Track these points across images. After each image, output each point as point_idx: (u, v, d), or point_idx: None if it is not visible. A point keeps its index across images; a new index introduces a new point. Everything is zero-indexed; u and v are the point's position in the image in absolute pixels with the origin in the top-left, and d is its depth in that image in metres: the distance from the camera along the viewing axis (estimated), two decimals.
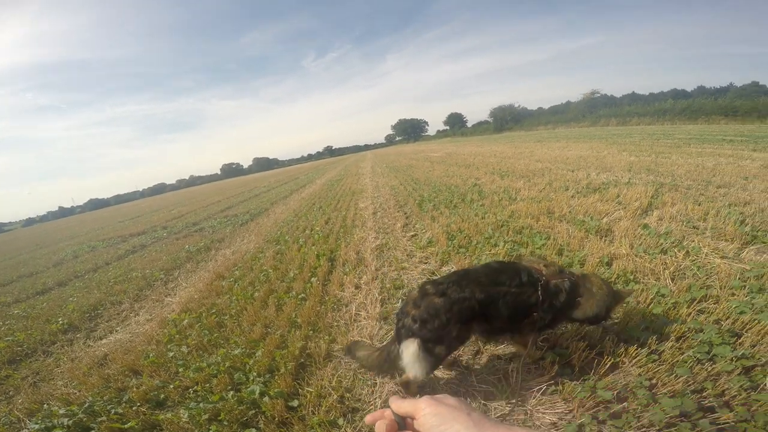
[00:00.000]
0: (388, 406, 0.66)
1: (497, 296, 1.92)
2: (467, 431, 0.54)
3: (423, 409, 0.59)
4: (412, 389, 2.02)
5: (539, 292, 1.97)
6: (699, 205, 4.37)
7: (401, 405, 0.64)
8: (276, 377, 2.44)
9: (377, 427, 0.63)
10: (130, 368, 3.08)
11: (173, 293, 5.18)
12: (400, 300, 3.26)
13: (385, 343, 2.21)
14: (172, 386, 2.64)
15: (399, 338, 1.94)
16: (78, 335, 4.36)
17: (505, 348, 2.38)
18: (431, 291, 1.93)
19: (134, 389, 2.71)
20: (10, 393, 3.29)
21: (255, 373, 2.54)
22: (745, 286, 2.52)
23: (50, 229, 34.87)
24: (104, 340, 4.05)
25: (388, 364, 2.02)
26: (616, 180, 6.55)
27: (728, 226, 3.59)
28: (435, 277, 3.44)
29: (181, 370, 2.84)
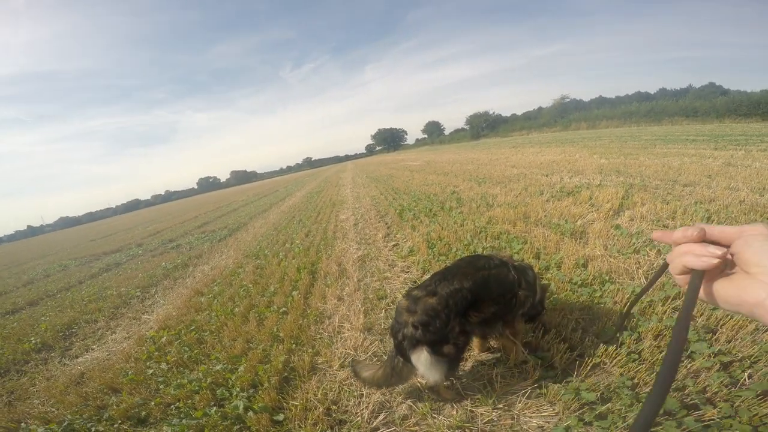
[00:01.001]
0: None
1: (483, 279, 1.96)
2: None
3: (757, 231, 0.52)
4: (442, 392, 2.05)
5: (512, 272, 2.06)
6: (667, 204, 4.54)
7: (714, 227, 0.57)
8: (260, 392, 2.40)
9: (682, 232, 0.57)
10: (109, 386, 3.01)
11: (150, 311, 5.04)
12: (384, 311, 3.24)
13: (385, 358, 2.14)
14: (153, 403, 2.59)
15: (401, 351, 1.90)
16: (52, 354, 4.23)
17: (487, 355, 2.38)
18: (421, 294, 1.93)
19: (114, 407, 2.66)
20: None
21: (238, 388, 2.51)
22: None
23: (19, 249, 33.29)
24: (80, 359, 3.94)
25: (395, 378, 1.99)
26: (588, 183, 6.75)
27: (695, 223, 3.73)
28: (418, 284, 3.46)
29: (161, 387, 2.80)
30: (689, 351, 2.01)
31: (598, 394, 1.86)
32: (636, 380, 1.91)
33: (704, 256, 0.54)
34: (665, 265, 0.66)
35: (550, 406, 1.90)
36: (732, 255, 0.54)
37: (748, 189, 4.91)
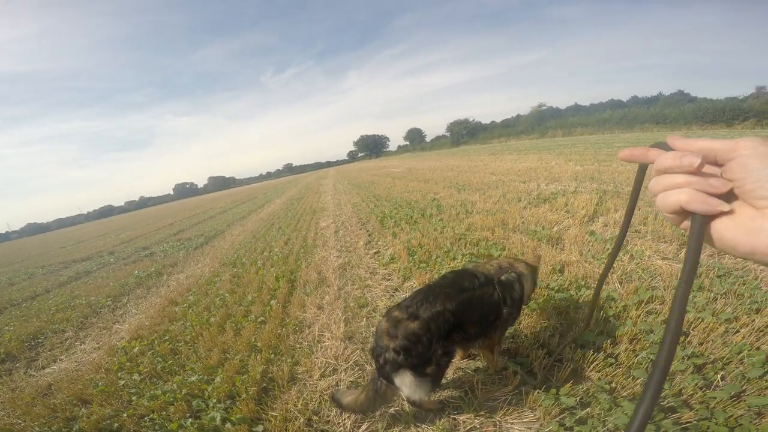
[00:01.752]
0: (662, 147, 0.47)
1: (467, 301, 1.91)
2: None
3: (753, 148, 0.41)
4: (425, 404, 2.00)
5: (498, 290, 2.02)
6: (639, 210, 4.68)
7: (697, 141, 0.45)
8: (237, 403, 2.33)
9: (675, 160, 0.44)
10: (78, 397, 2.89)
11: (122, 320, 4.85)
12: (365, 319, 3.21)
13: (366, 382, 2.05)
14: (125, 415, 2.49)
15: (383, 374, 1.83)
16: (17, 365, 4.04)
17: (468, 362, 2.38)
18: (402, 316, 1.84)
19: (84, 418, 2.56)
20: None
21: (215, 400, 2.43)
22: None
23: None
24: (47, 370, 3.77)
25: (380, 400, 1.90)
26: (564, 189, 6.91)
27: (666, 229, 3.86)
28: (399, 300, 3.43)
29: (134, 398, 2.71)
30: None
31: (578, 398, 1.88)
32: (613, 384, 1.94)
33: (711, 199, 0.43)
34: (636, 194, 0.56)
35: (531, 412, 1.91)
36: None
37: None
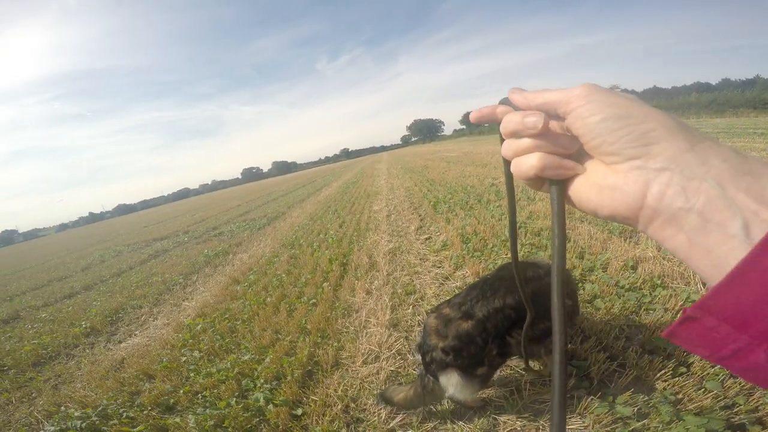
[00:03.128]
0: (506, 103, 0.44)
1: (533, 293, 1.70)
2: (670, 135, 0.32)
3: (586, 97, 0.36)
4: (468, 402, 1.91)
5: None
6: None
7: (536, 96, 0.41)
8: (282, 385, 2.41)
9: (518, 122, 0.40)
10: (145, 372, 3.14)
11: (191, 297, 5.26)
12: (412, 306, 3.18)
13: (413, 380, 2.00)
14: (182, 391, 2.66)
15: (430, 372, 1.77)
16: (99, 339, 4.49)
17: (518, 361, 2.26)
18: (454, 314, 1.73)
19: (146, 393, 2.77)
20: (32, 395, 3.43)
21: (262, 380, 2.53)
22: None
23: (81, 235, 36.37)
24: (123, 344, 4.15)
25: (429, 397, 1.85)
26: None
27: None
28: (448, 290, 3.34)
29: (192, 375, 2.88)
30: None
31: (635, 409, 1.71)
32: (680, 395, 1.73)
33: (565, 162, 0.39)
34: (508, 167, 0.47)
35: (580, 419, 1.77)
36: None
37: None
